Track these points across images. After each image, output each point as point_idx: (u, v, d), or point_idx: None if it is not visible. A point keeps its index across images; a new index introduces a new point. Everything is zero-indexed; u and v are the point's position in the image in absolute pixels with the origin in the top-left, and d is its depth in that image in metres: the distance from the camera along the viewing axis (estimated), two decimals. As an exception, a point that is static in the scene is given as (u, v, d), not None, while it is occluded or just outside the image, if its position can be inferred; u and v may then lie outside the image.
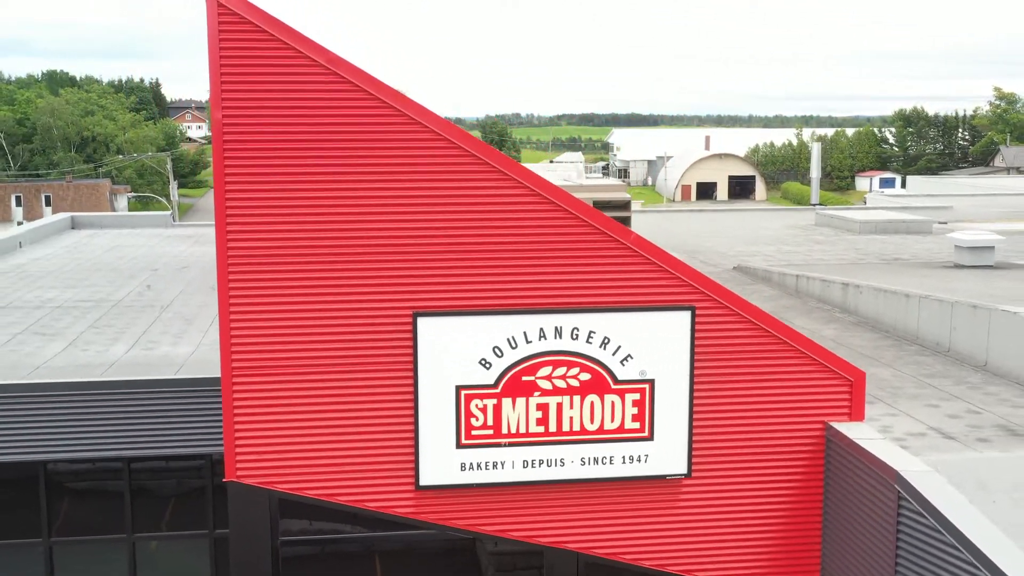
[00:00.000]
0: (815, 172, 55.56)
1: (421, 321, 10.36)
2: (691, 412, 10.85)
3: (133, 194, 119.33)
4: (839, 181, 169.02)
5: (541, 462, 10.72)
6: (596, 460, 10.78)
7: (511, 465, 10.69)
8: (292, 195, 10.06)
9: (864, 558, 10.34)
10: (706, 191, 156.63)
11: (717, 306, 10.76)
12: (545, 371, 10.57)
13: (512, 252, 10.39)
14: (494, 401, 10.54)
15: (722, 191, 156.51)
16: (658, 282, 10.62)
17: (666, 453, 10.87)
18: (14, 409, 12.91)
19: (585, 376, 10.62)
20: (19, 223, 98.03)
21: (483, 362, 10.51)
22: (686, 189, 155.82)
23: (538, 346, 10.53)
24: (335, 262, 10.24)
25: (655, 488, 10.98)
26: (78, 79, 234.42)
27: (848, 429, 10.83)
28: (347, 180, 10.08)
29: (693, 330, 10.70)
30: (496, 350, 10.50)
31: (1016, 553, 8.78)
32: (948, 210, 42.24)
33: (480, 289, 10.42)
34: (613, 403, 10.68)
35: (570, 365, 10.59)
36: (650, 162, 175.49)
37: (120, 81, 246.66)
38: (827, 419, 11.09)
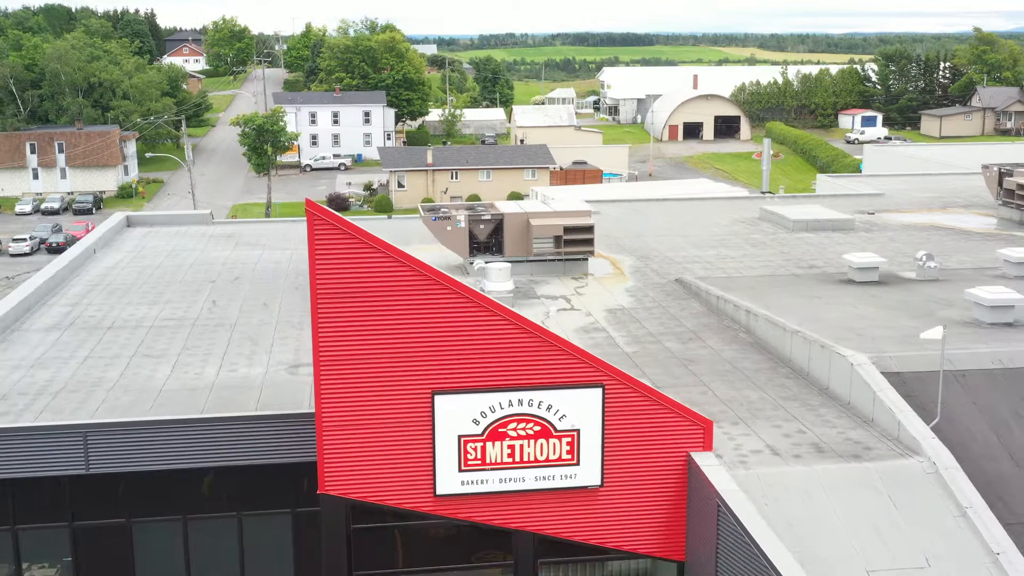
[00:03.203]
0: (766, 164, 61.82)
1: (437, 397, 17.07)
2: (603, 448, 17.61)
3: (149, 154, 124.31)
4: (822, 119, 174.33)
5: (511, 479, 17.51)
6: (544, 478, 17.57)
7: (493, 481, 17.47)
8: (364, 332, 16.67)
9: (703, 540, 17.20)
10: (693, 131, 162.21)
11: (619, 383, 17.44)
12: (513, 426, 17.30)
13: (494, 356, 17.02)
14: (481, 444, 17.29)
15: (708, 131, 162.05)
16: (582, 370, 17.27)
17: (587, 473, 17.66)
18: (172, 436, 19.42)
19: (537, 428, 17.36)
20: (38, 201, 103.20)
21: (474, 420, 17.23)
22: (673, 129, 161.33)
23: (508, 411, 17.24)
24: (388, 366, 16.88)
25: (581, 493, 17.81)
26: (74, 11, 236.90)
27: (699, 457, 17.60)
28: (398, 322, 16.69)
29: (604, 398, 17.40)
30: (482, 413, 17.22)
31: (776, 542, 15.53)
32: (880, 197, 48.44)
33: (473, 378, 17.08)
34: (554, 444, 17.44)
35: (527, 421, 17.32)
36: (639, 100, 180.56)
37: (116, 12, 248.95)
38: (689, 450, 17.84)
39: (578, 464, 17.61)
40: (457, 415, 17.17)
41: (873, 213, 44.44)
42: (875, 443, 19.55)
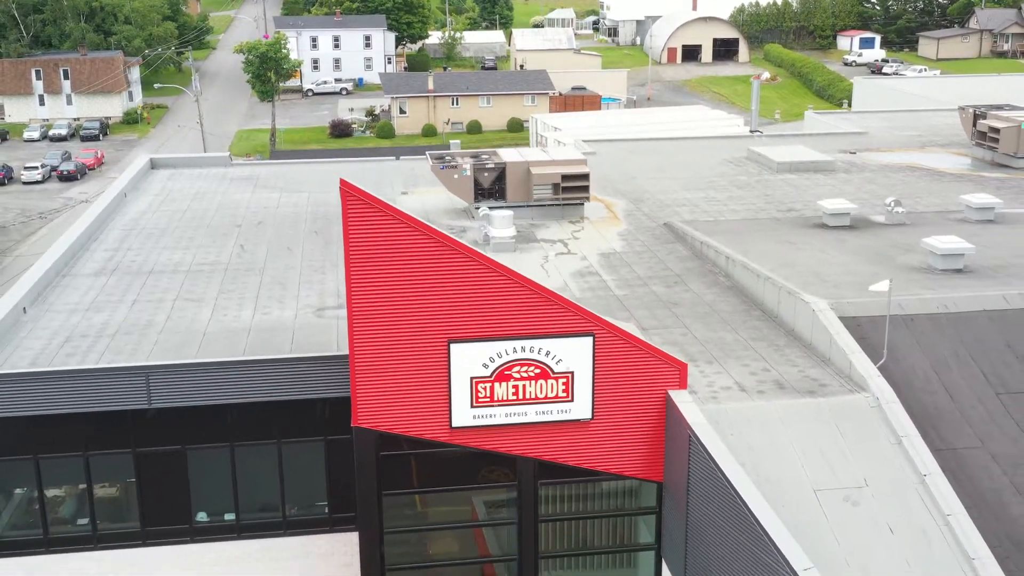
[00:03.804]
0: (755, 104, 64.01)
1: (453, 345, 20.07)
2: (593, 386, 20.66)
3: (157, 84, 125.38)
4: (821, 41, 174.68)
5: (515, 414, 20.60)
6: (543, 412, 20.67)
7: (500, 416, 20.56)
8: (391, 291, 19.55)
9: (677, 465, 20.37)
10: (691, 54, 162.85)
11: (607, 332, 20.41)
12: (516, 369, 20.33)
13: (501, 310, 19.97)
14: (490, 384, 20.35)
15: (707, 54, 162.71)
16: (576, 322, 20.24)
17: (580, 407, 20.75)
18: (223, 376, 22.45)
19: (537, 370, 20.39)
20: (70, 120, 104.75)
21: (484, 364, 20.26)
22: (672, 52, 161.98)
23: (512, 356, 20.26)
24: (411, 320, 19.82)
25: (575, 425, 20.94)
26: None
27: (675, 395, 20.66)
28: (419, 283, 19.57)
29: (594, 345, 20.40)
30: (490, 358, 20.24)
31: (737, 467, 18.64)
32: (863, 136, 50.80)
33: (484, 329, 20.05)
34: (552, 384, 20.51)
35: (529, 365, 20.34)
36: (639, 22, 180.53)
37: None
38: (667, 388, 20.90)
39: (572, 401, 20.69)
40: (470, 360, 20.19)
41: (855, 153, 46.86)
42: (829, 380, 22.58)
